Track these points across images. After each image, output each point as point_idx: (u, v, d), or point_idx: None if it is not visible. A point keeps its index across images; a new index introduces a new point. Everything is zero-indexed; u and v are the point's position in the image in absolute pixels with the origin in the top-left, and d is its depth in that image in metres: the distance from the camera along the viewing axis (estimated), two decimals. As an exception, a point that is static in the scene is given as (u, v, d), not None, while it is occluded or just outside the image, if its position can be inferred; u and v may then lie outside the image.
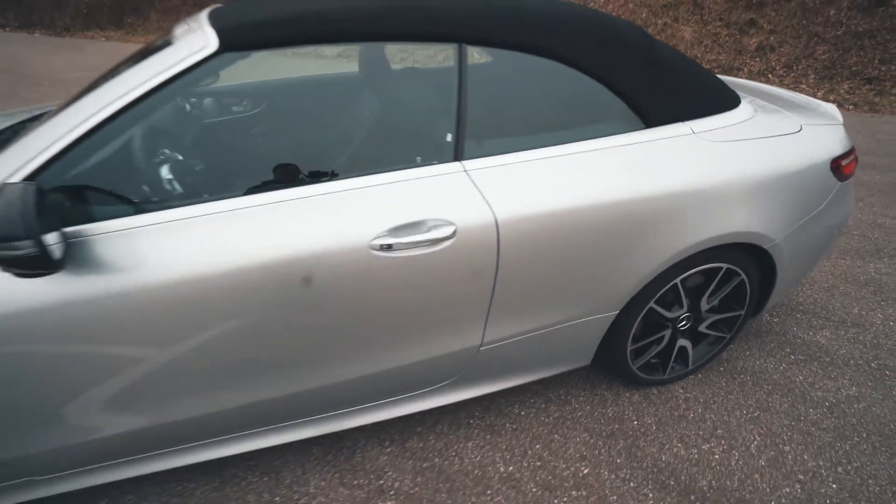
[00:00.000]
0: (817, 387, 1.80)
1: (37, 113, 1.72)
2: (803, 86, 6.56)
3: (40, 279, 0.96)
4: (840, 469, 1.50)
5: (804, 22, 7.13)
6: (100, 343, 1.02)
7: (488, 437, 1.60)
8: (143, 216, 1.03)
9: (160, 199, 1.10)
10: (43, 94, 6.71)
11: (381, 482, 1.46)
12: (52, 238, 0.87)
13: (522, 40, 1.23)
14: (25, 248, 0.83)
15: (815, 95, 6.22)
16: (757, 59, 7.03)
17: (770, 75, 6.77)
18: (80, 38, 13.83)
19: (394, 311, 1.20)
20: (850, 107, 5.90)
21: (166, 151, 1.24)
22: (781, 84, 6.59)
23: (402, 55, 1.85)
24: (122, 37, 13.37)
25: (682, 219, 1.36)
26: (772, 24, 7.34)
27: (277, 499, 1.42)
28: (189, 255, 1.02)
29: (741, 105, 1.57)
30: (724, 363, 1.91)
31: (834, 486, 1.45)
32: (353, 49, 1.60)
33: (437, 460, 1.52)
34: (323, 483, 1.46)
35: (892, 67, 6.31)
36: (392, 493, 1.43)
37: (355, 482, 1.46)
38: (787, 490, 1.44)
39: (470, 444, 1.57)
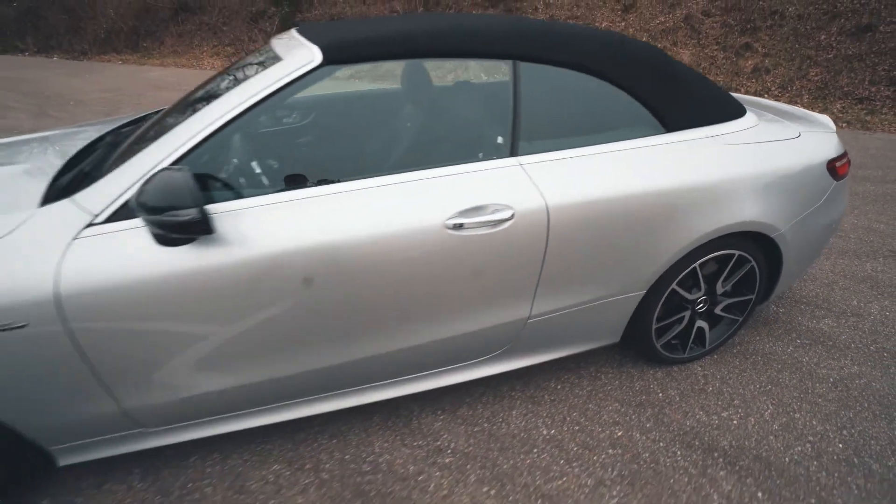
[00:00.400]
0: (822, 366, 1.99)
1: (130, 119, 1.95)
2: (798, 105, 6.88)
3: (175, 249, 1.18)
4: (845, 432, 1.68)
5: (797, 46, 7.51)
6: (213, 304, 1.23)
7: (530, 406, 1.79)
8: (255, 198, 1.25)
9: (272, 185, 1.32)
10: (71, 114, 7.03)
11: (438, 443, 1.64)
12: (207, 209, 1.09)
13: (566, 59, 1.48)
14: (191, 214, 1.05)
15: (809, 114, 6.53)
16: (753, 81, 7.38)
17: (766, 95, 7.11)
18: (97, 61, 14.31)
19: (460, 283, 1.41)
20: (844, 124, 6.20)
21: (276, 144, 1.47)
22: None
23: (437, 72, 2.10)
24: (139, 60, 13.83)
25: (700, 208, 1.58)
26: (766, 47, 7.73)
27: (347, 457, 1.60)
28: (296, 231, 1.24)
29: (747, 114, 1.82)
30: (737, 346, 2.11)
31: (840, 445, 1.64)
32: (365, 70, 1.82)
33: (486, 425, 1.71)
34: (386, 444, 1.64)
35: (882, 88, 6.65)
36: (449, 451, 1.61)
37: (415, 443, 1.65)
38: (799, 449, 1.62)
39: (514, 413, 1.76)
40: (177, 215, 1.06)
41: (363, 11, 11.73)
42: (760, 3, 8.09)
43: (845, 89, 6.86)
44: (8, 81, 10.07)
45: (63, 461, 1.38)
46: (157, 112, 1.92)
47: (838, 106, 6.67)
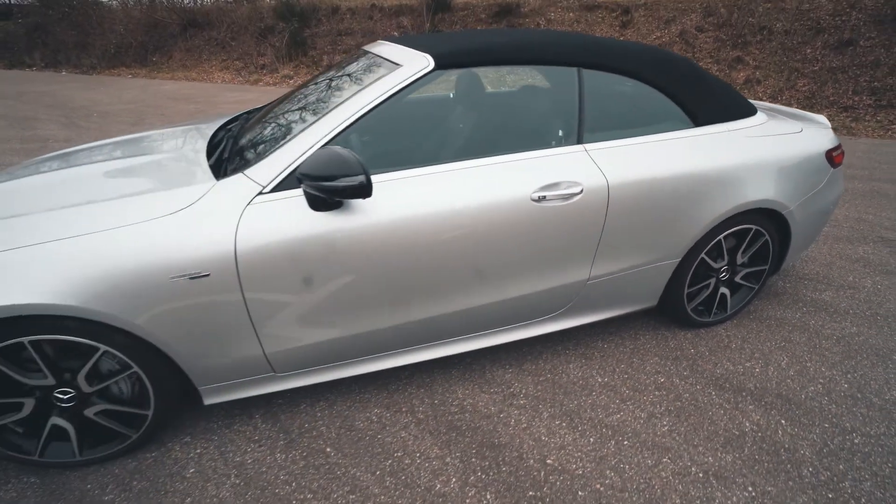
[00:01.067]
0: (826, 327, 2.32)
1: (238, 114, 2.26)
2: (788, 113, 7.34)
3: (325, 213, 1.48)
4: (849, 375, 2.01)
5: (785, 59, 8.01)
6: (352, 258, 1.52)
7: (583, 361, 2.09)
8: (388, 174, 1.56)
9: (399, 165, 1.61)
10: (98, 124, 7.31)
11: (511, 390, 1.94)
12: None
13: (619, 67, 1.82)
14: (359, 180, 1.36)
15: (798, 122, 6.99)
16: (745, 91, 7.85)
17: (758, 104, 7.57)
18: (106, 75, 14.60)
19: (539, 247, 1.73)
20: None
21: (399, 132, 1.80)
22: (768, 112, 7.38)
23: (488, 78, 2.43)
24: (149, 74, 14.15)
25: (725, 188, 1.92)
26: (756, 60, 8.23)
27: (436, 401, 1.89)
28: (423, 203, 1.55)
29: (758, 113, 2.17)
30: (753, 313, 2.43)
31: (845, 385, 1.96)
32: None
33: (549, 375, 2.01)
34: (467, 392, 1.94)
35: (864, 98, 7.13)
36: (521, 396, 1.91)
37: (491, 390, 1.94)
38: (812, 388, 1.94)
39: (571, 366, 2.07)
40: (343, 182, 1.37)
41: (370, 27, 12.18)
42: (750, 19, 8.62)
43: (831, 98, 7.34)
44: (28, 95, 10.32)
45: (208, 400, 1.66)
46: (264, 108, 2.22)
47: (825, 114, 7.13)
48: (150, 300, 1.38)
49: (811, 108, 7.31)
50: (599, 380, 1.99)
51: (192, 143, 1.95)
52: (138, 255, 1.35)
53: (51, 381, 1.44)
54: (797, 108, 7.41)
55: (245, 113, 2.42)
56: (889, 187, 4.32)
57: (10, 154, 5.60)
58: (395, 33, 11.73)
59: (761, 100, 7.66)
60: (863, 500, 1.49)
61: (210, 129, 2.17)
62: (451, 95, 2.13)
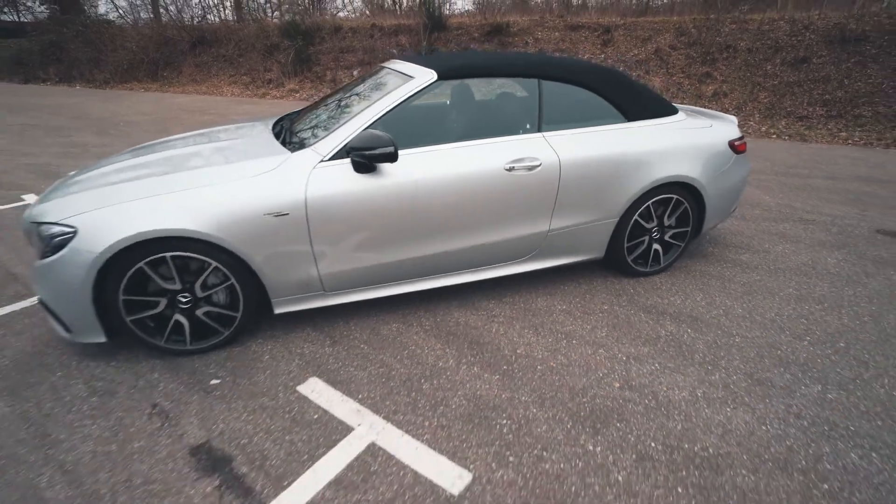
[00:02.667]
0: (737, 277, 3.03)
1: (302, 107, 2.97)
2: (752, 122, 8.16)
3: (365, 175, 2.18)
4: (745, 304, 2.71)
5: (748, 74, 8.87)
6: (382, 206, 2.22)
7: (548, 295, 2.79)
8: (406, 150, 2.26)
9: (413, 144, 2.31)
10: (126, 132, 8.01)
11: (493, 313, 2.62)
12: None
13: (569, 78, 2.56)
14: (389, 149, 2.07)
15: (760, 130, 7.81)
16: (713, 103, 8.69)
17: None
18: (119, 89, 15.37)
19: (510, 204, 2.43)
20: (787, 137, 7.46)
21: (417, 124, 2.51)
22: (733, 122, 8.19)
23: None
24: (160, 88, 14.93)
25: (652, 165, 2.64)
26: (723, 75, 9.09)
27: (438, 319, 2.56)
28: (431, 167, 2.26)
29: (679, 112, 2.91)
30: (683, 268, 3.14)
31: (740, 310, 2.65)
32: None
33: (521, 304, 2.70)
34: (460, 313, 2.61)
35: (817, 108, 7.97)
36: (500, 316, 2.59)
37: (478, 313, 2.62)
38: (715, 312, 2.63)
39: (539, 299, 2.76)
40: (378, 152, 2.08)
41: (370, 45, 13.04)
42: (717, 38, 9.51)
43: (788, 109, 8.18)
44: (52, 108, 11.05)
45: (278, 310, 2.34)
46: (307, 108, 2.93)
47: (783, 123, 7.96)
48: (249, 230, 2.07)
49: (771, 118, 8.15)
50: (559, 307, 2.68)
51: (258, 132, 2.66)
52: (244, 199, 2.05)
53: (178, 286, 2.12)
54: (759, 117, 8.25)
55: (287, 115, 3.13)
56: (821, 182, 5.08)
57: (59, 157, 6.30)
58: (394, 51, 12.59)
59: (727, 110, 8.50)
60: (731, 369, 2.18)
61: (267, 123, 2.88)
62: (448, 102, 2.85)
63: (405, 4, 26.20)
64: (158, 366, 2.22)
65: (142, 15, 23.22)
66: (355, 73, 12.72)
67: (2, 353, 2.33)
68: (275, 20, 19.29)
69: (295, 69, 13.35)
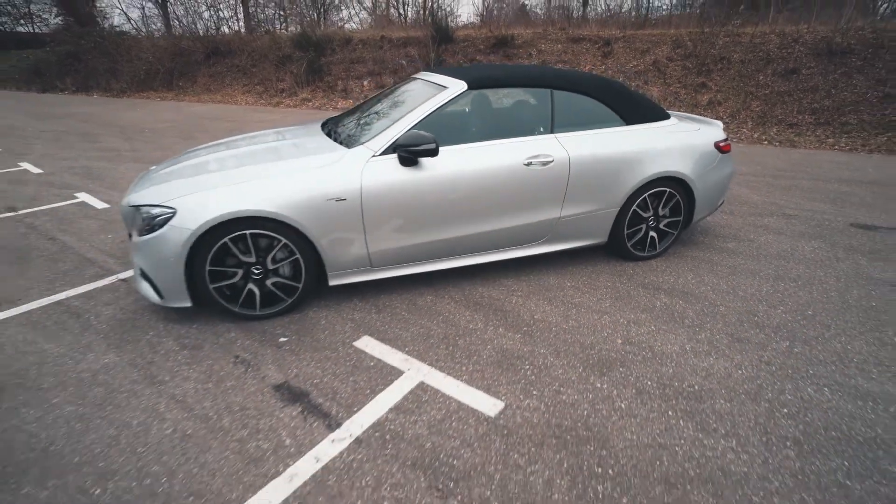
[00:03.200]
0: (724, 261, 3.46)
1: (352, 107, 3.42)
2: (744, 129, 8.63)
3: (409, 168, 2.62)
4: (729, 282, 3.13)
5: (741, 84, 9.36)
6: (422, 194, 2.66)
7: (559, 275, 3.21)
8: (449, 147, 2.70)
9: (448, 143, 2.75)
10: (152, 138, 8.48)
11: (512, 288, 3.04)
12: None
13: (576, 88, 3.01)
14: (432, 146, 2.51)
15: (752, 137, 8.27)
16: (708, 111, 9.16)
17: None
18: (136, 98, 15.92)
19: (527, 195, 2.87)
20: (777, 143, 7.92)
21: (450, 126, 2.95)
22: (727, 129, 8.66)
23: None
24: (175, 97, 15.46)
25: (648, 161, 3.08)
26: (717, 85, 9.58)
27: (466, 293, 2.98)
28: (464, 162, 2.70)
29: (671, 117, 3.36)
30: (677, 254, 3.57)
31: (725, 286, 3.08)
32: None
33: (536, 281, 3.12)
34: (484, 289, 3.03)
35: (806, 116, 8.44)
36: (518, 291, 3.01)
37: (500, 288, 3.04)
38: (699, 290, 3.06)
39: (551, 277, 3.18)
40: (422, 147, 2.52)
41: (380, 56, 13.58)
42: (711, 50, 10.02)
43: (779, 117, 8.65)
44: (77, 116, 11.56)
45: (332, 282, 2.76)
46: (350, 111, 3.38)
47: (774, 130, 8.43)
48: (314, 212, 2.51)
49: (763, 125, 8.61)
50: (569, 284, 3.11)
51: (313, 132, 3.11)
52: (310, 186, 2.49)
53: (252, 259, 2.55)
54: (751, 125, 8.71)
55: (331, 118, 3.57)
56: (805, 183, 5.53)
57: (96, 160, 6.76)
58: (403, 62, 13.13)
59: (722, 118, 8.97)
60: (714, 330, 2.59)
61: (315, 126, 3.33)
62: (474, 108, 3.29)
63: (410, 16, 26.93)
64: (233, 328, 2.64)
65: (152, 27, 23.95)
66: (365, 82, 13.26)
67: (99, 319, 2.75)
68: (285, 32, 19.92)
69: (307, 79, 13.89)
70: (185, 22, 21.64)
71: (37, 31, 27.74)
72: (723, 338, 2.54)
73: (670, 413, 2.02)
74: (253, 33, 18.93)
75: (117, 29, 21.62)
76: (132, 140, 8.32)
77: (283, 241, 2.53)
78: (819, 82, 8.75)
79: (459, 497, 1.65)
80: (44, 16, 27.99)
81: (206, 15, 23.02)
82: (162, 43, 18.17)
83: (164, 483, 1.71)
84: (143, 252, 2.48)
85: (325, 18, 27.79)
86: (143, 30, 23.02)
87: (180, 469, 1.77)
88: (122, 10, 27.24)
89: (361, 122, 3.04)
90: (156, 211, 2.44)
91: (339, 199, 2.53)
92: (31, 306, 2.90)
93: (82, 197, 5.05)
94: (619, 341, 2.51)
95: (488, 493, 1.67)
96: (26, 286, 3.15)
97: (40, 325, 2.71)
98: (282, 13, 30.34)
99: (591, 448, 1.85)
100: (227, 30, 19.76)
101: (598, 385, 2.19)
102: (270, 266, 2.60)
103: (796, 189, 5.28)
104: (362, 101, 12.04)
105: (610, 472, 1.75)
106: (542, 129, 2.98)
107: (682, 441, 1.88)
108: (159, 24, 25.75)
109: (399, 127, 2.67)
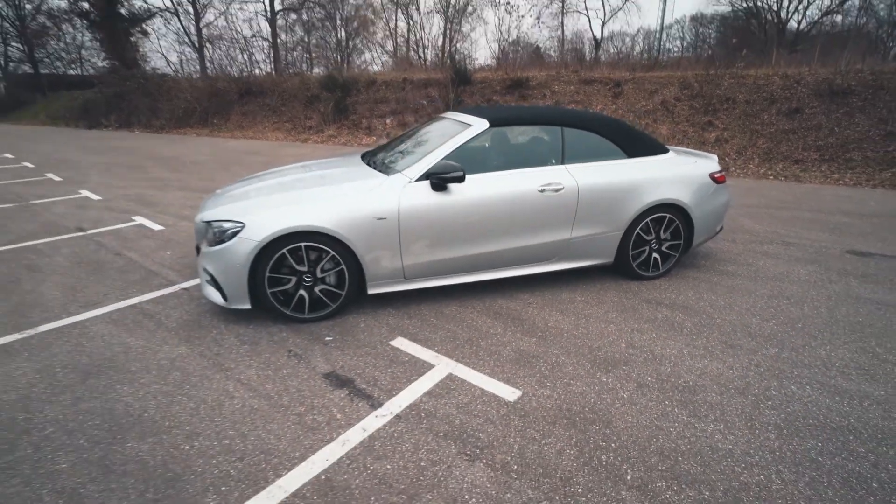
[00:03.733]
0: (723, 281, 3.77)
1: (390, 139, 3.92)
2: (751, 165, 9.00)
3: (439, 192, 3.05)
4: (728, 299, 3.44)
5: (747, 123, 9.80)
6: (451, 216, 3.08)
7: (570, 291, 3.56)
8: (473, 175, 3.14)
9: (473, 171, 3.19)
10: (195, 169, 9.19)
11: (528, 301, 3.40)
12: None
13: (583, 125, 3.46)
14: (460, 174, 2.95)
15: (759, 172, 8.63)
16: (715, 148, 9.57)
17: (725, 159, 9.25)
18: (173, 134, 17.06)
19: (539, 217, 3.27)
20: (783, 178, 8.25)
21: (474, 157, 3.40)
22: (734, 165, 9.03)
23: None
24: (211, 133, 16.53)
25: (648, 190, 3.47)
26: (724, 124, 10.04)
27: (486, 305, 3.34)
28: (486, 188, 3.13)
29: (669, 151, 3.77)
30: (679, 274, 3.89)
31: (722, 302, 3.39)
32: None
33: (549, 295, 3.47)
34: (502, 301, 3.39)
35: (811, 153, 8.79)
36: (533, 304, 3.36)
37: (517, 301, 3.40)
38: (702, 304, 3.37)
39: (563, 292, 3.53)
40: (451, 175, 2.96)
41: (402, 97, 14.45)
42: (717, 91, 10.54)
43: (785, 154, 9.01)
44: (123, 149, 12.51)
45: (370, 291, 3.16)
46: (386, 145, 3.88)
47: (780, 166, 8.78)
48: (359, 229, 2.94)
49: (769, 161, 8.97)
50: (579, 298, 3.46)
51: (355, 162, 3.61)
52: (356, 207, 2.94)
53: (305, 269, 2.98)
54: (758, 161, 9.08)
55: (369, 151, 4.07)
56: (807, 215, 5.83)
57: (147, 188, 7.43)
58: (424, 102, 13.96)
59: (728, 155, 9.37)
60: (710, 338, 2.89)
61: (355, 157, 3.83)
62: (494, 142, 3.76)
63: (430, 59, 28.42)
64: (284, 328, 3.04)
65: (188, 69, 25.75)
66: (388, 121, 14.08)
67: (169, 320, 3.18)
68: (311, 74, 21.25)
69: (334, 117, 14.80)
70: (219, 65, 23.26)
71: (84, 73, 29.99)
72: (717, 344, 2.85)
73: (666, 402, 2.33)
74: (282, 75, 20.24)
75: (158, 72, 23.34)
76: (177, 171, 9.05)
77: (332, 253, 2.96)
78: (822, 121, 9.14)
79: (484, 461, 1.97)
80: (92, 60, 30.31)
81: (239, 58, 24.71)
82: (199, 84, 19.55)
83: (239, 444, 2.08)
84: (214, 260, 2.93)
85: (348, 62, 29.52)
86: (181, 72, 24.79)
87: (251, 434, 2.13)
88: (163, 54, 29.30)
89: (397, 153, 3.53)
90: (227, 225, 2.91)
91: (380, 218, 2.97)
92: (111, 308, 3.35)
93: (139, 220, 5.62)
94: (624, 345, 2.83)
95: (509, 458, 1.99)
96: (104, 292, 3.62)
97: (121, 322, 3.15)
98: (308, 56, 32.29)
99: (597, 427, 2.16)
100: (258, 72, 21.18)
101: (604, 379, 2.51)
102: (319, 275, 3.02)
103: (797, 220, 5.58)
104: (387, 137, 12.80)
105: (612, 445, 2.06)
106: (553, 161, 3.42)
107: (676, 424, 2.18)
108: (196, 67, 27.67)
109: (432, 158, 3.13)
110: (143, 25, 28.16)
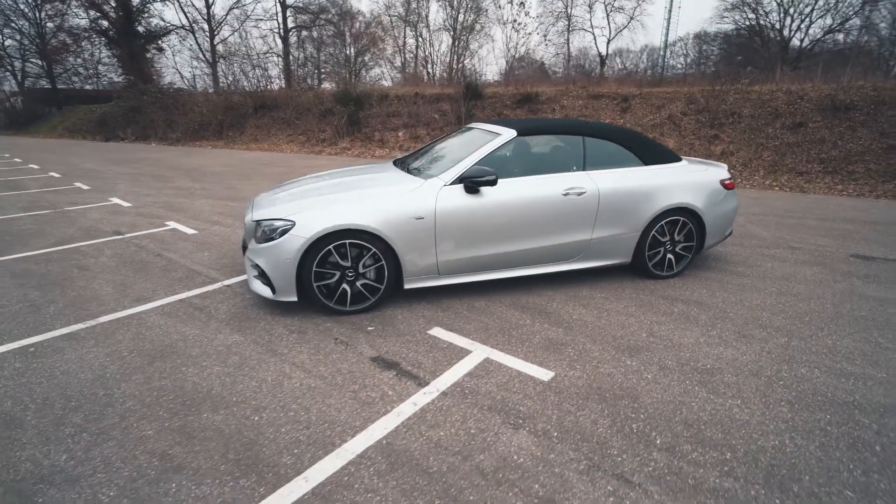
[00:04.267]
0: (733, 280, 3.99)
1: (424, 147, 4.20)
2: (756, 177, 9.26)
3: (472, 195, 3.32)
4: (738, 296, 3.66)
5: (752, 136, 10.10)
6: (482, 216, 3.34)
7: (590, 288, 3.79)
8: (502, 179, 3.41)
9: (506, 176, 3.46)
10: (217, 179, 9.52)
11: (552, 297, 3.63)
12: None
13: (603, 135, 3.74)
14: (493, 177, 3.22)
15: (764, 184, 8.88)
16: (721, 160, 9.84)
17: (732, 171, 9.50)
18: (189, 146, 17.52)
19: (563, 219, 3.53)
20: (788, 189, 8.50)
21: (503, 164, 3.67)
22: (741, 176, 9.29)
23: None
24: (226, 145, 16.98)
25: (663, 195, 3.73)
26: (730, 137, 10.33)
27: (513, 301, 3.58)
28: (515, 192, 3.40)
29: (682, 160, 4.04)
30: (692, 274, 4.12)
31: (722, 299, 3.61)
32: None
33: (572, 292, 3.71)
34: (528, 298, 3.63)
35: (815, 165, 9.05)
36: (557, 299, 3.60)
37: (541, 297, 3.63)
38: (715, 300, 3.59)
39: (584, 289, 3.76)
40: (485, 179, 3.23)
41: (414, 111, 14.86)
42: (723, 106, 10.86)
43: (789, 166, 9.27)
44: (146, 161, 12.91)
45: (407, 286, 3.41)
46: (416, 152, 4.16)
47: (785, 178, 9.03)
48: (400, 228, 3.20)
49: (774, 173, 9.24)
50: (599, 295, 3.69)
51: (389, 168, 3.89)
52: (398, 208, 3.21)
53: (348, 264, 3.23)
54: (763, 173, 9.34)
55: (399, 158, 4.36)
56: (812, 223, 6.07)
57: (174, 196, 7.75)
58: (436, 116, 14.36)
59: (734, 167, 9.63)
60: (724, 329, 3.11)
61: (387, 164, 4.11)
62: (520, 150, 4.03)
63: (438, 75, 29.05)
64: (327, 320, 3.28)
65: (201, 84, 26.45)
66: (400, 133, 14.47)
67: (219, 312, 3.43)
68: (320, 88, 21.80)
69: (347, 130, 15.22)
70: (231, 80, 23.88)
71: (100, 88, 30.79)
72: (731, 334, 3.07)
73: (687, 382, 2.55)
74: (296, 89, 20.79)
75: (175, 86, 24.00)
76: (199, 181, 9.39)
77: (373, 249, 3.22)
78: (825, 135, 9.42)
79: (527, 429, 2.20)
80: (109, 75, 31.16)
81: (250, 74, 25.38)
82: (215, 98, 20.11)
83: (303, 415, 2.31)
84: (265, 255, 3.19)
85: (357, 77, 30.21)
86: (194, 87, 25.49)
87: (313, 407, 2.37)
88: (177, 70, 30.13)
89: (431, 159, 3.82)
90: (278, 223, 3.18)
91: (418, 218, 3.24)
92: (162, 302, 3.61)
93: (172, 225, 5.91)
94: (644, 335, 3.06)
95: (549, 427, 2.21)
96: (152, 288, 3.88)
97: (174, 314, 3.40)
98: (316, 71, 33.03)
99: (626, 402, 2.39)
100: (274, 87, 21.75)
101: (629, 363, 2.74)
102: (361, 270, 3.27)
103: (803, 227, 5.82)
104: (400, 149, 13.16)
105: (641, 416, 2.28)
106: (575, 168, 3.69)
107: (698, 399, 2.40)
108: (209, 81, 28.40)
109: (465, 163, 3.40)
110: (160, 42, 29.01)
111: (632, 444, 2.09)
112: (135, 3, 27.14)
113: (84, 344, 3.00)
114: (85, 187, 8.81)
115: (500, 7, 36.24)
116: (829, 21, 24.71)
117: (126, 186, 8.79)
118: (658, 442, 2.10)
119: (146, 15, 27.76)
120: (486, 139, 3.61)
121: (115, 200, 7.52)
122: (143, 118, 20.56)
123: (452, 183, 3.35)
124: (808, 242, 5.13)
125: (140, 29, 27.70)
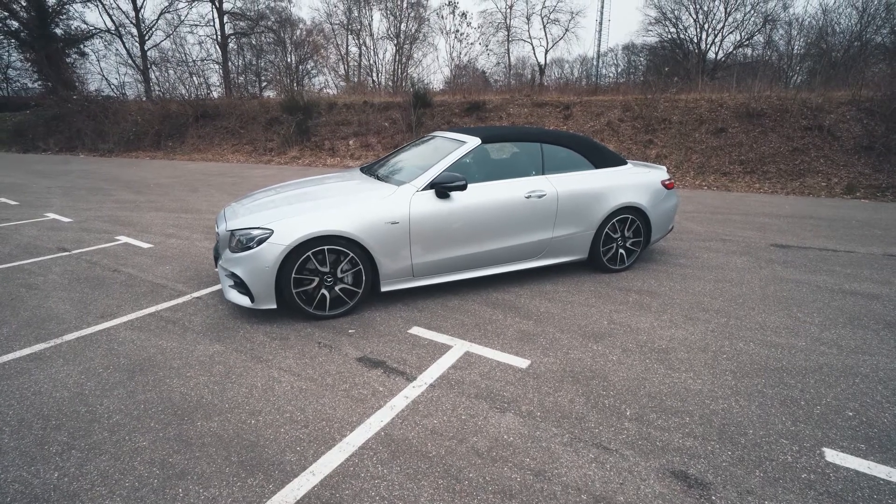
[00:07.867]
0: (676, 270, 4.45)
1: (390, 153, 4.32)
2: (687, 177, 10.13)
3: (443, 199, 3.51)
4: (682, 284, 4.10)
5: (682, 141, 11.03)
6: (452, 220, 3.54)
7: (553, 283, 4.09)
8: (472, 185, 3.62)
9: (472, 181, 3.68)
10: (160, 192, 9.10)
11: (519, 293, 3.89)
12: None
13: (559, 142, 4.07)
14: (462, 182, 3.42)
15: (694, 184, 9.74)
16: (656, 163, 10.67)
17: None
18: (124, 158, 16.48)
19: (526, 220, 3.80)
20: (715, 188, 9.38)
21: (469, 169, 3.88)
22: (674, 177, 10.13)
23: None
24: (165, 156, 16.15)
25: (613, 195, 4.11)
26: (662, 142, 11.22)
27: (483, 298, 3.80)
28: (482, 196, 3.63)
29: (628, 163, 4.46)
30: (641, 268, 4.54)
31: (674, 286, 4.04)
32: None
33: (536, 287, 3.99)
34: (497, 294, 3.87)
35: (736, 167, 10.05)
36: (524, 295, 3.86)
37: (509, 293, 3.88)
38: (663, 288, 4.00)
39: (547, 285, 4.06)
40: (455, 184, 3.43)
41: (364, 119, 14.89)
42: (655, 113, 11.78)
43: (715, 167, 10.23)
44: (76, 173, 12.03)
45: (384, 289, 3.54)
46: (383, 159, 4.29)
47: (712, 178, 9.96)
48: (376, 233, 3.33)
49: (702, 174, 10.15)
50: (562, 289, 3.99)
51: (356, 177, 4.00)
52: (373, 213, 3.34)
53: (327, 269, 3.32)
54: (693, 174, 10.24)
55: (366, 165, 4.47)
56: (737, 217, 6.78)
57: (118, 210, 7.36)
58: (386, 124, 14.46)
59: (669, 169, 10.47)
60: (673, 314, 3.50)
61: (355, 171, 4.22)
62: (483, 157, 4.29)
63: (383, 83, 29.13)
64: (307, 325, 3.35)
65: (131, 91, 24.94)
66: (350, 142, 14.43)
67: (193, 323, 3.39)
68: (270, 97, 21.23)
69: (296, 139, 14.96)
70: (167, 87, 22.69)
71: (10, 94, 28.15)
72: (679, 318, 3.45)
73: (647, 361, 2.87)
74: (239, 98, 20.11)
75: (103, 93, 22.45)
76: (143, 193, 8.93)
77: (351, 254, 3.32)
78: (743, 139, 10.48)
79: (512, 411, 2.40)
80: (22, 80, 28.55)
81: (187, 81, 24.21)
82: (150, 106, 19.04)
83: (299, 415, 2.39)
84: (243, 264, 3.21)
85: (300, 85, 29.62)
86: (124, 94, 23.96)
87: (308, 407, 2.45)
88: (103, 76, 28.12)
89: (399, 167, 3.98)
90: (256, 232, 3.21)
91: (393, 223, 3.38)
92: (131, 317, 3.51)
93: (124, 239, 5.65)
94: (606, 322, 3.38)
95: (532, 408, 2.43)
96: (116, 304, 3.75)
97: (145, 328, 3.33)
98: (257, 79, 32.10)
99: (596, 382, 2.66)
100: (213, 95, 20.90)
101: (595, 347, 3.02)
102: (339, 275, 3.37)
103: (730, 222, 6.50)
104: (351, 158, 13.11)
105: (611, 393, 2.55)
106: (535, 172, 3.98)
107: (658, 375, 2.72)
108: (141, 88, 26.82)
109: (436, 169, 3.60)
110: (81, 46, 27.02)
111: (606, 417, 2.35)
112: (50, 4, 25.13)
113: (52, 363, 2.89)
114: (13, 202, 8.14)
115: (442, 17, 36.97)
116: (737, 36, 27.36)
117: (61, 201, 8.21)
118: (628, 413, 2.38)
119: (64, 17, 25.76)
120: (453, 147, 3.83)
121: (52, 215, 7.03)
122: (68, 127, 19.04)
123: (424, 188, 3.53)
124: (736, 235, 5.76)
125: (58, 31, 25.66)
